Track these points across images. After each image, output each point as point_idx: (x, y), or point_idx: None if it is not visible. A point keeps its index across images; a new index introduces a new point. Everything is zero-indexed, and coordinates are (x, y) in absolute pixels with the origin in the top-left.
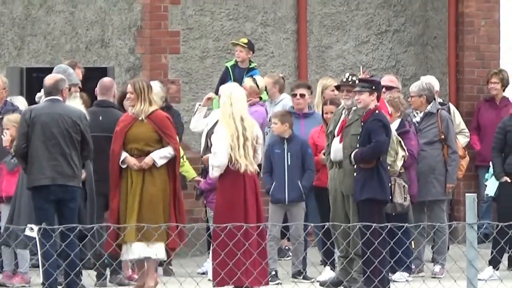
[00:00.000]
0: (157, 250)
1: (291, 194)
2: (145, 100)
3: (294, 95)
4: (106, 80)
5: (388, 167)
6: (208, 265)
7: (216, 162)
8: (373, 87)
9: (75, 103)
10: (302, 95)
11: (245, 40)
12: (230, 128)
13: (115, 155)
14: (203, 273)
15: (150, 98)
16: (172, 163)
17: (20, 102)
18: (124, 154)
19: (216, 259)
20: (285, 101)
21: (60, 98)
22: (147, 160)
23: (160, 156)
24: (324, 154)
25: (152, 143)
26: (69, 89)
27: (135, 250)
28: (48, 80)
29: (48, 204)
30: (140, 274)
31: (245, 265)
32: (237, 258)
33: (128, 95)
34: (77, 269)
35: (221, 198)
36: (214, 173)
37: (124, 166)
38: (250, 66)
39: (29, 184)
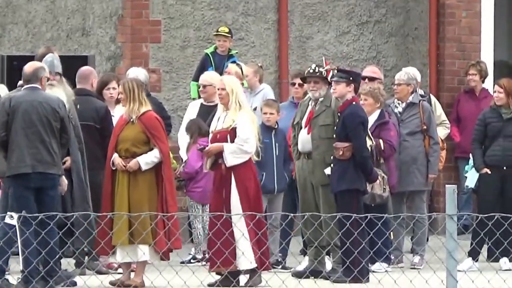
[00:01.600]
0: (142, 253)
1: (280, 184)
2: (134, 100)
3: (293, 84)
4: (84, 68)
5: None
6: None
7: (250, 149)
8: (351, 78)
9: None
10: (300, 85)
11: (227, 29)
12: (252, 116)
13: (107, 160)
14: (182, 262)
15: (141, 98)
16: (160, 166)
17: (2, 89)
18: (114, 155)
19: (212, 247)
20: (265, 91)
21: (39, 86)
22: (132, 164)
23: (146, 161)
24: (290, 146)
25: (139, 144)
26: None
27: (118, 254)
28: (28, 68)
29: (28, 191)
30: (127, 271)
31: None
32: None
33: (119, 95)
34: (56, 257)
35: (246, 186)
36: (237, 160)
37: (114, 168)
38: (230, 53)
39: (9, 172)
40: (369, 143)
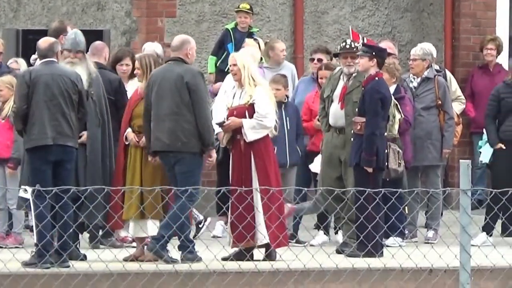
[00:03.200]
0: (154, 227)
1: (292, 158)
2: None
3: (311, 60)
4: (97, 43)
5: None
6: (219, 228)
7: (269, 123)
8: (373, 53)
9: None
10: (319, 60)
11: (248, 6)
12: (269, 91)
13: (121, 134)
14: (213, 236)
15: None
16: None
17: (22, 64)
18: (128, 130)
19: (234, 220)
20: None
21: (56, 60)
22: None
23: None
24: (318, 119)
25: None
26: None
27: (130, 228)
28: (42, 43)
29: (46, 165)
30: (140, 245)
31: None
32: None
33: (135, 71)
34: (70, 231)
35: (265, 161)
36: (257, 135)
37: (127, 143)
38: (251, 30)
39: (29, 145)
40: (398, 117)
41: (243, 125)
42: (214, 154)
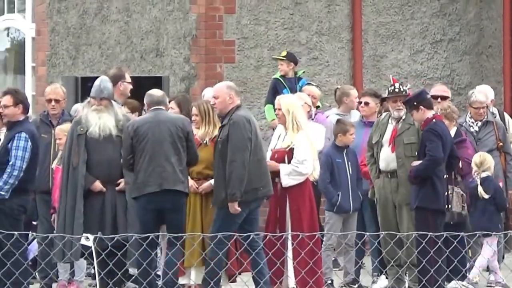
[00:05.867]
0: None
1: (355, 203)
2: (209, 123)
3: (359, 103)
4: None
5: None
6: None
7: (305, 170)
8: (415, 103)
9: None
10: (366, 103)
11: (284, 53)
12: (310, 138)
13: None
14: None
15: (215, 120)
16: None
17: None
18: None
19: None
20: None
21: (164, 109)
22: (205, 186)
23: None
24: (368, 164)
25: (212, 167)
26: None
27: (192, 276)
28: (157, 92)
29: (151, 213)
30: None
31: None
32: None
33: (193, 118)
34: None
35: (300, 206)
36: (292, 181)
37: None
38: (298, 75)
39: (135, 193)
40: None
41: (280, 170)
42: None
